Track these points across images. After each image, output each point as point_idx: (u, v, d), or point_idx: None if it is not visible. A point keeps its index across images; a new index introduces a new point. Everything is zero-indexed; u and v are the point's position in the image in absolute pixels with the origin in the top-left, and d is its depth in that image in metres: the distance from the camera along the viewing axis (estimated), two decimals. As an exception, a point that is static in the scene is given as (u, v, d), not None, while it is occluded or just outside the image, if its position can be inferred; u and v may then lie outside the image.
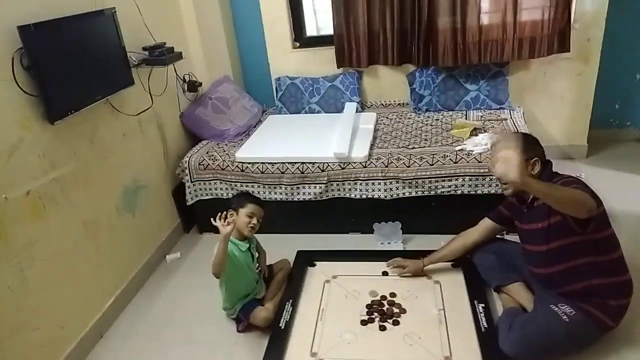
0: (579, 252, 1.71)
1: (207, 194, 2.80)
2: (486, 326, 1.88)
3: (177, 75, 2.85)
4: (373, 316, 2.03)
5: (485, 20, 3.00)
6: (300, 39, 3.51)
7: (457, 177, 2.47)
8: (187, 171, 2.75)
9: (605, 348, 1.78)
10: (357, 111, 3.18)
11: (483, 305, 1.99)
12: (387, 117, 3.19)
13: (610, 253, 1.73)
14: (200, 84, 3.05)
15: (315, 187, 2.63)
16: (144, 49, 2.46)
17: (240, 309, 2.07)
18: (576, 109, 3.23)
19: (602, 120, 3.39)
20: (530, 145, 1.78)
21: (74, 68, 1.93)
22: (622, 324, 1.78)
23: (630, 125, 3.48)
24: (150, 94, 2.53)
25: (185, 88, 2.97)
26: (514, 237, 2.10)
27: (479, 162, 2.45)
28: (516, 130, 2.68)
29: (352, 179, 2.59)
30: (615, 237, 1.75)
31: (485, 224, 2.13)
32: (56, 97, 1.84)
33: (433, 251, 2.23)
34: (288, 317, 2.04)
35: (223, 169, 2.72)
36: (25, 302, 1.76)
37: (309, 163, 2.62)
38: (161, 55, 2.48)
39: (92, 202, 2.14)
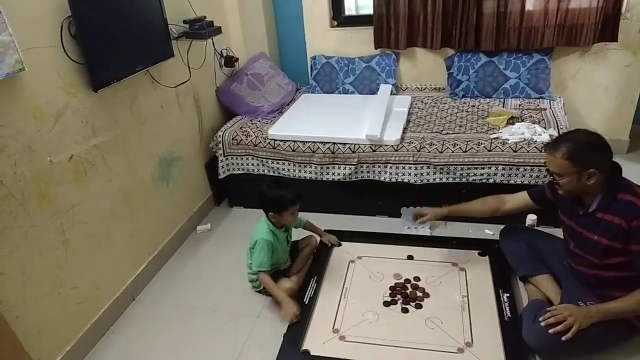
0: (631, 267, 1.62)
1: (238, 169, 2.85)
2: (510, 316, 1.87)
3: (215, 49, 2.88)
4: (396, 298, 2.05)
5: (529, 5, 2.91)
6: (339, 17, 3.48)
7: (490, 166, 2.44)
8: (220, 145, 2.80)
9: (630, 345, 1.75)
10: (391, 94, 3.15)
11: (508, 294, 1.98)
12: (422, 101, 3.15)
13: None
14: (237, 60, 3.07)
15: (345, 167, 2.64)
16: (185, 22, 2.50)
17: (266, 280, 2.13)
18: (620, 102, 3.10)
19: (647, 115, 3.26)
20: (585, 153, 1.60)
21: (118, 38, 1.98)
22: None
23: (677, 122, 3.33)
24: (189, 67, 2.57)
25: (222, 63, 3.00)
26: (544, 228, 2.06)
27: (514, 151, 2.40)
28: (556, 123, 2.61)
29: (382, 162, 2.58)
30: None
31: (523, 197, 2.02)
32: (100, 66, 1.89)
33: (460, 238, 2.22)
34: (312, 292, 2.09)
35: (255, 145, 2.75)
36: (65, 261, 1.85)
37: (340, 143, 2.62)
38: (201, 28, 2.51)
39: (129, 170, 2.21)
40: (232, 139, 2.78)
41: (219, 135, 2.81)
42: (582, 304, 1.72)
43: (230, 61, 3.01)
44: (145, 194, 2.34)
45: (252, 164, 2.81)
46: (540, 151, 2.36)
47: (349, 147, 2.60)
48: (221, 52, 2.96)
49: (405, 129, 2.71)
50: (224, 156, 2.82)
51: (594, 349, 1.73)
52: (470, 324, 1.89)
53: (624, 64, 3.00)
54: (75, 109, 1.86)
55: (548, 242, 2.01)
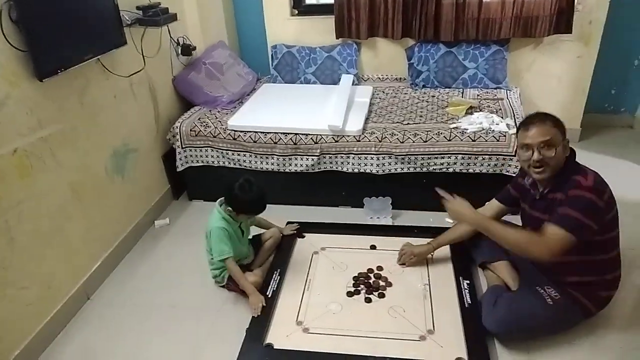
0: (579, 251, 1.66)
1: (198, 161, 2.77)
2: (470, 302, 1.91)
3: (171, 37, 2.77)
4: (359, 288, 2.06)
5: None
6: (299, 6, 3.43)
7: (449, 155, 2.47)
8: (178, 137, 2.72)
9: (584, 329, 1.82)
10: (353, 84, 3.14)
11: (468, 281, 2.02)
12: (383, 92, 3.16)
13: (610, 252, 1.72)
14: (195, 48, 2.98)
15: (307, 158, 2.61)
16: (138, 8, 2.39)
17: (229, 276, 2.08)
18: (572, 92, 3.22)
19: (597, 104, 3.39)
20: (561, 123, 1.68)
21: (65, 24, 1.87)
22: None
23: (625, 111, 3.49)
24: (143, 56, 2.47)
25: (179, 51, 2.90)
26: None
27: (473, 140, 2.44)
28: (513, 113, 2.67)
29: (345, 153, 2.57)
30: (618, 236, 1.72)
31: (493, 204, 2.04)
32: (45, 54, 1.78)
33: (421, 227, 2.24)
34: (275, 286, 2.06)
35: (215, 137, 2.68)
36: (12, 261, 1.75)
37: (302, 134, 2.60)
38: (155, 15, 2.41)
39: (81, 163, 2.11)
40: (190, 130, 2.70)
41: (176, 127, 2.72)
42: (540, 289, 1.77)
43: (187, 50, 2.91)
44: (99, 189, 2.24)
45: (212, 156, 2.74)
46: (498, 140, 2.41)
47: (311, 138, 2.58)
48: (177, 40, 2.86)
49: (367, 119, 2.71)
50: (182, 148, 2.74)
51: (550, 332, 1.79)
52: (432, 311, 1.92)
53: (576, 55, 3.10)
54: (18, 99, 1.75)
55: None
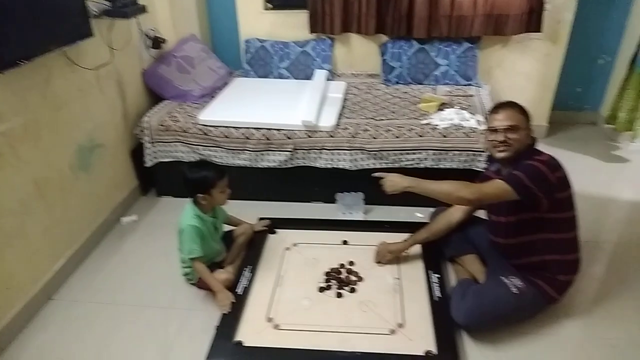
0: (537, 228, 1.76)
1: (167, 156, 2.72)
2: (440, 296, 1.93)
3: (140, 29, 2.71)
4: (331, 283, 2.06)
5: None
6: (273, 0, 3.39)
7: (421, 151, 2.49)
8: (146, 132, 2.66)
9: (548, 318, 1.87)
10: (327, 79, 3.13)
11: (438, 275, 2.04)
12: (356, 87, 3.16)
13: (567, 232, 1.79)
14: (165, 41, 2.92)
15: (280, 154, 2.59)
16: (105, -1, 2.32)
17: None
18: (540, 90, 3.29)
19: (563, 102, 3.47)
20: (529, 116, 1.81)
21: (26, 14, 1.79)
22: (564, 297, 1.87)
23: (589, 108, 3.59)
24: (111, 48, 2.40)
25: (149, 44, 2.84)
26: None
27: (444, 136, 2.47)
28: (483, 110, 2.71)
29: (318, 148, 2.56)
30: (575, 218, 1.80)
31: None
32: (5, 44, 1.70)
33: (393, 222, 2.26)
34: (246, 283, 2.04)
35: (185, 131, 2.64)
36: (-32, 259, 1.68)
37: (275, 129, 2.57)
38: (124, 6, 2.35)
39: (44, 159, 2.04)
40: (160, 125, 2.65)
41: (145, 121, 2.66)
42: (505, 279, 1.81)
43: (157, 43, 2.85)
44: (63, 185, 2.17)
45: (182, 151, 2.69)
46: (468, 136, 2.45)
47: (284, 133, 2.56)
48: (147, 32, 2.79)
49: (340, 115, 2.71)
50: (151, 143, 2.68)
51: (517, 320, 1.84)
52: (403, 305, 1.93)
53: (545, 53, 3.17)
54: (-25, 91, 1.68)
55: (474, 224, 2.09)
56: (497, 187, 1.69)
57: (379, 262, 2.16)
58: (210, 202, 2.00)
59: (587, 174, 2.87)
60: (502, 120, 1.77)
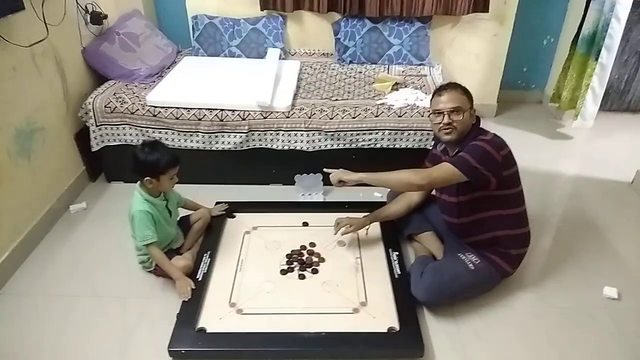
0: (487, 205, 1.83)
1: (114, 140, 2.58)
2: (400, 273, 1.98)
3: (77, 4, 2.52)
4: (292, 265, 2.05)
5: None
6: (221, -26, 3.26)
7: (377, 131, 2.51)
8: (91, 114, 2.50)
9: (503, 291, 1.96)
10: (280, 58, 3.06)
11: (397, 253, 2.08)
12: (311, 67, 3.12)
13: (515, 208, 1.87)
14: (106, 17, 2.74)
15: (235, 136, 2.53)
16: (37, -32, 2.13)
17: (157, 260, 1.97)
18: (489, 70, 3.39)
19: (511, 81, 3.60)
20: (469, 92, 1.85)
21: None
22: (517, 270, 1.97)
23: (535, 87, 3.75)
24: (45, 23, 2.21)
25: (88, 19, 2.65)
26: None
27: (399, 116, 2.49)
28: (435, 87, 2.75)
29: (274, 129, 2.52)
30: (522, 193, 1.88)
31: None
32: None
33: (352, 202, 2.27)
34: (206, 269, 1.99)
35: (132, 113, 2.50)
36: None
37: (229, 110, 2.50)
38: (58, -22, 2.17)
39: (-23, 145, 1.87)
40: (105, 107, 2.50)
41: (89, 102, 2.50)
42: (462, 255, 1.88)
43: (97, 18, 2.67)
44: (1, 174, 2.01)
45: (130, 134, 2.56)
46: (422, 116, 2.48)
47: (238, 115, 2.49)
48: (85, 7, 2.60)
49: (295, 95, 2.66)
50: (97, 126, 2.53)
51: (474, 294, 1.91)
52: (364, 283, 1.96)
53: (493, 33, 3.26)
54: None
55: (430, 203, 2.14)
56: (445, 170, 1.74)
57: (339, 231, 2.08)
58: (156, 187, 1.92)
59: (533, 151, 3.01)
60: (445, 102, 1.80)
